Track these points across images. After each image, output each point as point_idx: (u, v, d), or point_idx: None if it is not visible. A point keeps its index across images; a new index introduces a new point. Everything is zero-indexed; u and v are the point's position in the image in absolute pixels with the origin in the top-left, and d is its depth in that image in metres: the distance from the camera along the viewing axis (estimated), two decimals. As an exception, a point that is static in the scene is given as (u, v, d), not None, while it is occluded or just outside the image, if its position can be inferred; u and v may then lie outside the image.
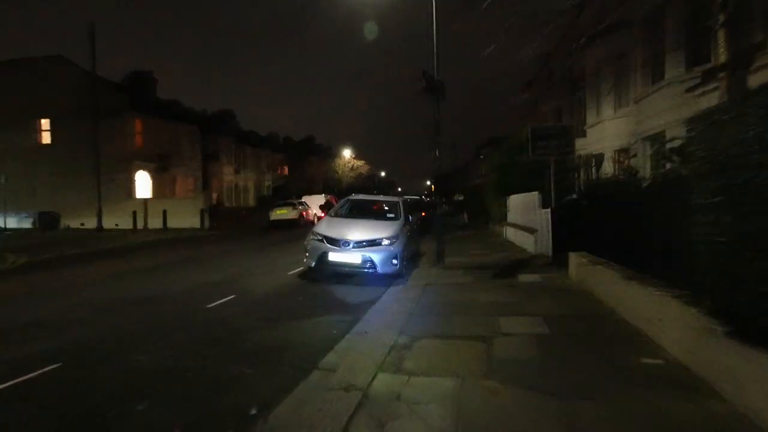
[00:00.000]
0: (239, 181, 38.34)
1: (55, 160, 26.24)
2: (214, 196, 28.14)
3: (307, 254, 7.79)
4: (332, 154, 51.00)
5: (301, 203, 25.72)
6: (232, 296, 6.22)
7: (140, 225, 22.57)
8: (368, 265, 7.43)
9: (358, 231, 7.82)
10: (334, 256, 7.49)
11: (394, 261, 7.62)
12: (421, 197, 38.71)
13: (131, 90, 28.05)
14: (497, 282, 7.33)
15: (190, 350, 4.08)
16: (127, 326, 4.80)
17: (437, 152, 9.27)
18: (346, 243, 7.51)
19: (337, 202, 37.11)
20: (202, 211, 22.21)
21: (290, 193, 35.40)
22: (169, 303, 5.96)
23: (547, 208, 9.35)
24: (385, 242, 7.64)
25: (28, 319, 5.15)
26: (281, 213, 23.94)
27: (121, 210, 23.73)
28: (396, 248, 7.68)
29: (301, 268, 8.70)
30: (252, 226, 25.07)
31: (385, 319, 5.12)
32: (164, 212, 21.79)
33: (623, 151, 15.22)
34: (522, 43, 7.17)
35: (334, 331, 4.70)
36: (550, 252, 9.03)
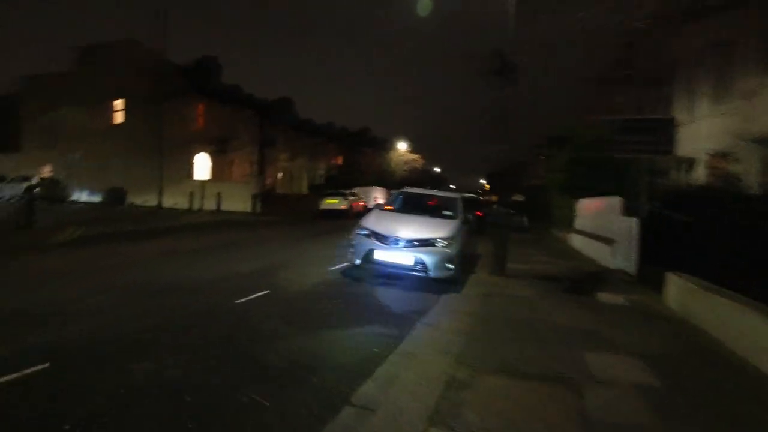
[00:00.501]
0: (293, 168, 38.67)
1: (126, 139, 27.55)
2: (268, 181, 28.39)
3: (352, 249, 7.03)
4: (386, 146, 50.28)
5: (353, 194, 25.25)
6: (266, 291, 5.57)
7: (196, 206, 23.10)
8: (419, 267, 6.54)
9: (410, 228, 6.94)
10: (381, 255, 6.67)
11: (450, 265, 6.67)
12: (476, 195, 37.04)
13: (197, 75, 28.81)
14: (571, 299, 6.17)
15: (202, 359, 3.40)
16: (143, 320, 4.25)
17: (491, 148, 8.17)
18: (396, 241, 6.66)
19: (389, 195, 36.32)
20: (254, 196, 22.32)
21: (342, 183, 35.17)
22: (198, 293, 5.40)
23: (631, 216, 7.96)
24: (441, 243, 6.71)
25: (45, 302, 4.75)
26: (331, 202, 23.57)
27: (180, 190, 24.47)
28: (452, 250, 6.73)
29: (345, 263, 7.99)
30: (302, 214, 24.96)
31: (437, 339, 4.22)
32: (219, 195, 22.10)
33: (720, 155, 13.15)
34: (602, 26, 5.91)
35: (375, 349, 3.88)
36: (633, 268, 7.66)
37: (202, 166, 28.20)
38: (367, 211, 27.06)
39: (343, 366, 3.51)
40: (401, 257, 6.61)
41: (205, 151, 28.24)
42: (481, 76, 7.41)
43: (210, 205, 22.81)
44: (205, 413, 2.63)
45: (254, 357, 3.51)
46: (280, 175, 35.53)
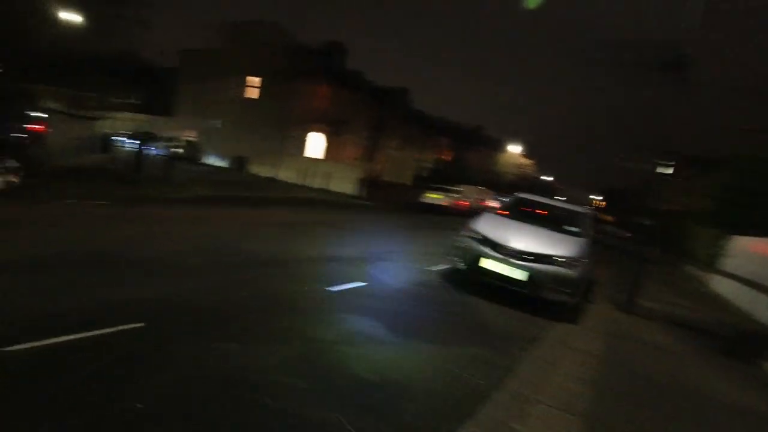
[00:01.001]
0: (401, 157, 38.83)
1: (255, 112, 29.93)
2: (376, 167, 28.77)
3: (457, 252, 6.39)
4: (498, 147, 48.05)
5: (457, 191, 24.35)
6: (361, 283, 5.21)
7: (306, 182, 24.23)
8: (532, 285, 5.67)
9: (527, 239, 6.07)
10: (490, 264, 5.92)
11: (570, 289, 5.70)
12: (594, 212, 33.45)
13: (324, 58, 30.10)
14: (732, 366, 4.83)
15: (287, 355, 3.09)
16: (237, 292, 4.13)
17: (621, 160, 6.77)
18: (510, 251, 5.85)
19: (495, 198, 34.43)
20: (360, 180, 22.68)
21: (447, 178, 34.35)
22: (295, 272, 5.25)
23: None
24: (562, 261, 5.76)
25: (154, 255, 4.92)
26: (434, 197, 22.99)
27: (294, 164, 25.93)
28: (575, 272, 5.73)
29: (446, 266, 7.39)
30: (403, 204, 24.82)
31: (555, 385, 3.43)
32: (327, 174, 22.88)
33: None
34: None
35: (480, 381, 3.24)
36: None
37: (316, 144, 29.59)
38: (469, 211, 26.10)
39: (442, 395, 2.93)
40: (512, 270, 5.79)
41: (322, 131, 29.55)
42: (639, 69, 6.17)
43: (317, 183, 23.76)
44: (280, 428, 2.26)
45: (333, 369, 3.04)
46: (385, 162, 35.93)
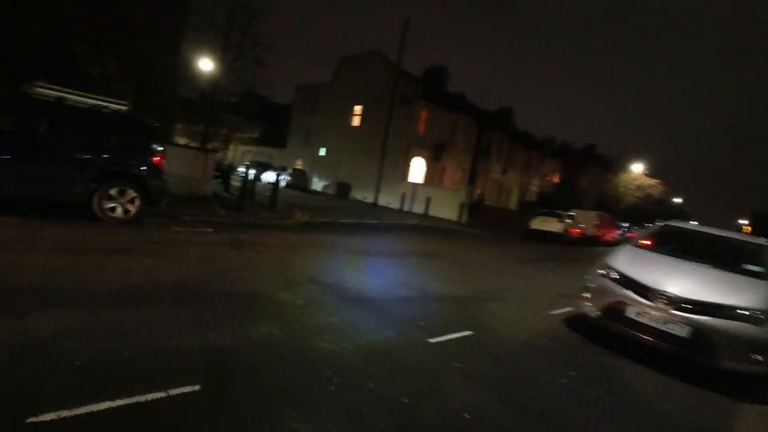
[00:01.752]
0: (505, 180, 36.90)
1: (359, 140, 30.92)
2: (478, 192, 27.49)
3: (588, 295, 5.16)
4: (615, 167, 43.26)
5: (570, 216, 21.95)
6: (468, 332, 4.32)
7: (406, 207, 23.94)
8: (700, 346, 4.24)
9: (689, 281, 4.65)
10: (636, 313, 4.61)
11: (759, 356, 4.14)
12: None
13: (426, 83, 30.11)
14: None
15: None
16: (331, 333, 3.56)
17: None
18: (664, 297, 4.49)
19: (612, 224, 30.58)
20: (462, 205, 21.67)
21: (556, 203, 31.52)
22: (393, 315, 4.55)
23: None
24: (744, 314, 4.24)
25: (253, 283, 4.59)
26: (544, 223, 20.95)
27: (395, 190, 25.92)
28: (765, 330, 4.17)
29: (571, 308, 6.13)
30: (508, 231, 23.10)
31: None
32: (428, 199, 22.30)
33: None
34: None
35: None
36: None
37: (417, 169, 29.38)
38: (583, 239, 23.32)
39: None
40: (668, 323, 4.42)
41: (422, 156, 29.30)
42: None
43: (419, 208, 23.29)
44: None
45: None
46: (489, 186, 34.36)
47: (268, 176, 28.97)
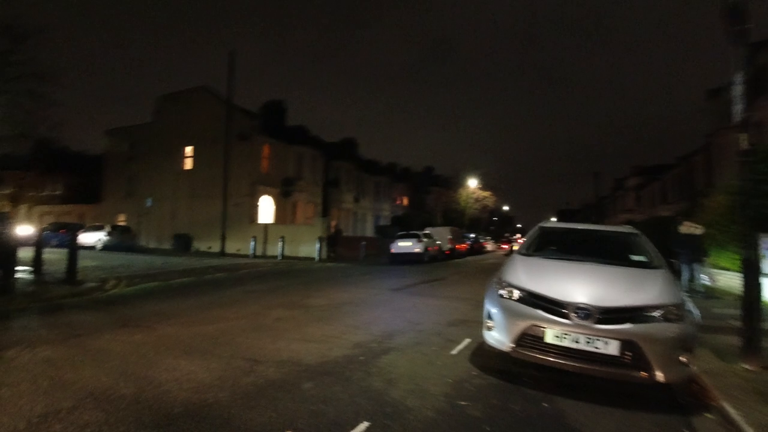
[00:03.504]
0: (358, 209, 36.96)
1: (194, 184, 27.28)
2: (333, 223, 26.48)
3: (492, 323, 4.18)
4: (453, 185, 47.62)
5: (427, 235, 22.44)
6: (362, 426, 2.82)
7: (260, 250, 21.48)
8: (636, 362, 3.53)
9: (592, 285, 3.99)
10: (556, 336, 3.74)
11: (684, 357, 3.60)
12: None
13: (264, 118, 28.41)
14: None
15: None
16: None
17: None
18: (581, 311, 3.71)
19: (462, 236, 32.74)
20: (320, 239, 20.26)
21: (410, 224, 32.63)
22: (232, 424, 2.79)
23: None
24: (660, 312, 3.70)
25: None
26: (404, 245, 20.90)
27: (244, 234, 23.20)
28: (686, 328, 3.68)
29: (468, 339, 5.15)
30: (370, 258, 22.48)
31: None
32: (282, 239, 20.30)
33: None
34: None
35: None
36: None
37: (265, 209, 27.07)
38: (442, 253, 24.11)
39: None
40: (595, 341, 3.63)
41: (269, 194, 27.18)
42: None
43: (273, 250, 21.07)
44: None
45: None
46: (343, 217, 33.90)
47: (88, 238, 23.15)
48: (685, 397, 3.72)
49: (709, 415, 3.38)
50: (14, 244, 8.12)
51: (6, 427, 2.63)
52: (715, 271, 11.13)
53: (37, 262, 10.29)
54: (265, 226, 23.80)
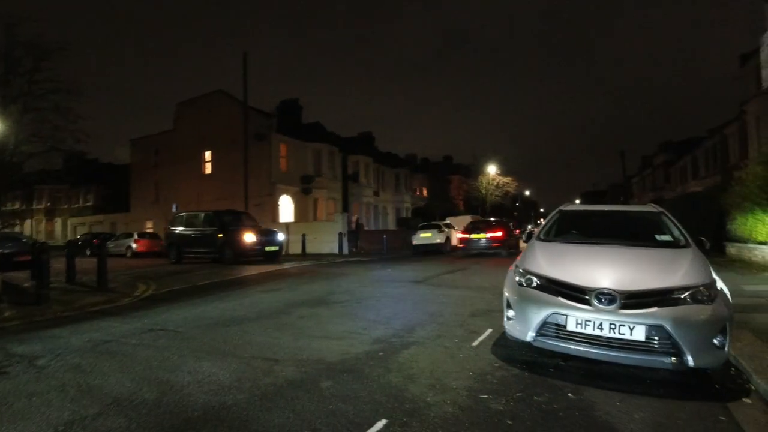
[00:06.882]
0: (378, 202, 36.94)
1: (216, 187, 27.78)
2: (354, 218, 26.56)
3: (512, 313, 4.07)
4: (474, 173, 46.98)
5: (448, 225, 22.26)
6: (380, 424, 2.78)
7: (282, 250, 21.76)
8: (665, 347, 3.37)
9: (617, 269, 3.82)
10: (578, 323, 3.60)
11: (719, 339, 3.41)
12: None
13: (280, 116, 28.62)
14: None
15: None
16: None
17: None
18: (604, 296, 3.56)
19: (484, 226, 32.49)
20: (340, 235, 20.35)
21: (432, 214, 32.42)
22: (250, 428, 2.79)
23: None
24: (686, 294, 3.51)
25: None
26: (425, 236, 20.79)
27: (266, 234, 23.51)
28: (718, 309, 3.48)
29: (490, 329, 5.05)
30: (392, 251, 22.46)
31: None
32: (303, 237, 20.49)
33: None
34: None
35: None
36: None
37: (286, 207, 27.38)
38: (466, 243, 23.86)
39: None
40: (619, 327, 3.48)
41: (289, 193, 27.45)
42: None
43: (295, 248, 21.30)
44: None
45: None
46: (364, 212, 33.92)
47: (119, 246, 24.20)
48: (722, 382, 3.54)
49: (747, 400, 3.19)
50: (47, 257, 8.43)
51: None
52: (752, 245, 10.62)
53: (70, 272, 10.72)
54: (287, 224, 24.08)
